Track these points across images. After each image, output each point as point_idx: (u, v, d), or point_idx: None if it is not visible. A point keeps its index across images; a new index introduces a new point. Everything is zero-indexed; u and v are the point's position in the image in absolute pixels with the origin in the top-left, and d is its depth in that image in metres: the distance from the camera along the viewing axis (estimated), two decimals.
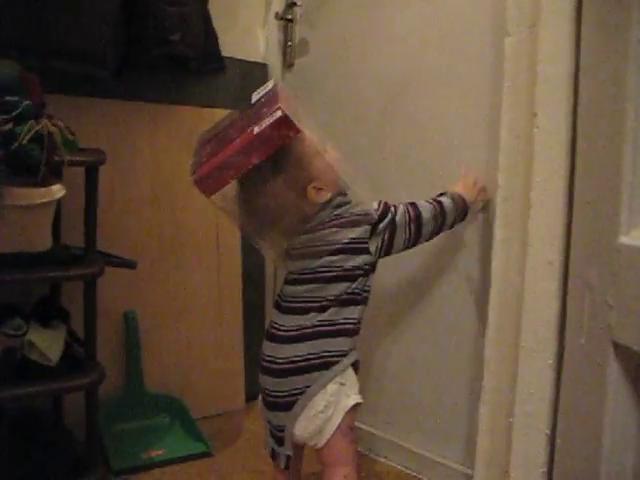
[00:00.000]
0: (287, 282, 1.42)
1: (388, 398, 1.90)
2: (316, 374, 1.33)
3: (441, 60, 1.74)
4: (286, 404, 1.35)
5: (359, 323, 1.40)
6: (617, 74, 0.94)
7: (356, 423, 1.74)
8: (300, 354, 1.34)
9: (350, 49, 2.00)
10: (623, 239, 0.95)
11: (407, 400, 1.87)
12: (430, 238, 1.48)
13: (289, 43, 2.22)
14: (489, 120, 1.58)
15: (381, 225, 1.38)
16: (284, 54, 2.25)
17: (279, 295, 1.44)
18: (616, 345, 0.97)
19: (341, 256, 1.35)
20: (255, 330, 2.25)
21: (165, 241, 2.06)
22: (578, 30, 1.17)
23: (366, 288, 1.39)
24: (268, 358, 1.38)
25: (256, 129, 1.22)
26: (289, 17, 2.21)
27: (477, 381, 1.55)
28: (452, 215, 1.49)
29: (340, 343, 1.35)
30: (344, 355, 1.36)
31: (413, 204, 1.44)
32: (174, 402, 2.02)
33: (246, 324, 2.25)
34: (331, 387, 1.33)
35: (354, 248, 1.36)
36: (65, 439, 1.72)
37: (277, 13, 2.22)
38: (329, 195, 1.35)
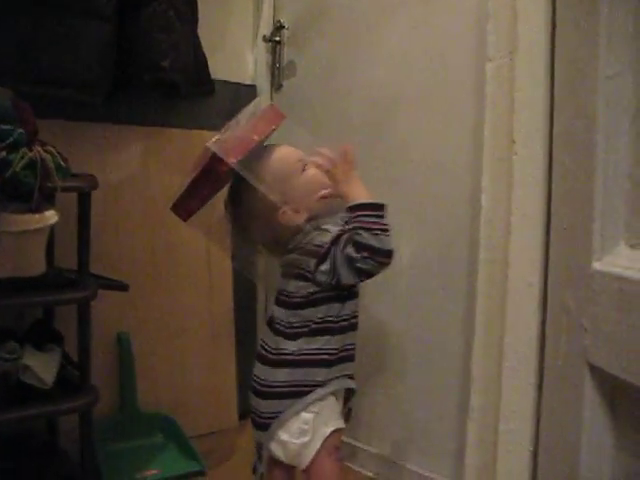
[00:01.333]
0: (275, 301, 1.46)
1: (380, 415, 1.93)
2: (289, 401, 1.36)
3: (426, 82, 1.79)
4: (264, 424, 1.39)
5: (340, 352, 1.39)
6: (587, 107, 0.98)
7: (347, 439, 1.78)
8: (278, 380, 1.37)
9: (337, 70, 2.05)
10: (596, 265, 0.98)
11: (398, 417, 1.90)
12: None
13: (277, 65, 2.27)
14: (473, 141, 1.63)
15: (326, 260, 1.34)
16: (273, 76, 2.29)
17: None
18: (591, 367, 1.00)
19: (301, 282, 1.37)
20: (247, 349, 2.25)
21: (157, 263, 2.09)
22: (552, 61, 1.21)
23: (343, 316, 1.39)
24: (254, 377, 1.42)
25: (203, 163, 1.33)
26: (277, 39, 2.25)
27: (465, 398, 1.58)
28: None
29: (315, 373, 1.36)
30: (319, 385, 1.36)
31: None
32: (168, 421, 2.04)
33: (238, 343, 2.28)
34: (304, 416, 1.35)
35: (306, 276, 1.37)
36: (60, 460, 1.74)
37: (265, 36, 2.27)
38: (302, 219, 1.37)
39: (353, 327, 1.42)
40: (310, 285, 1.36)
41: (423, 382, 1.83)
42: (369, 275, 1.31)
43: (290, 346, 1.37)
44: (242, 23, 2.32)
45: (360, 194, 1.33)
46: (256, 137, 1.35)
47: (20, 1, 1.63)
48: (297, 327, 1.37)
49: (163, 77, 1.80)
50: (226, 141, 1.34)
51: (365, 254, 1.27)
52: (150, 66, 1.78)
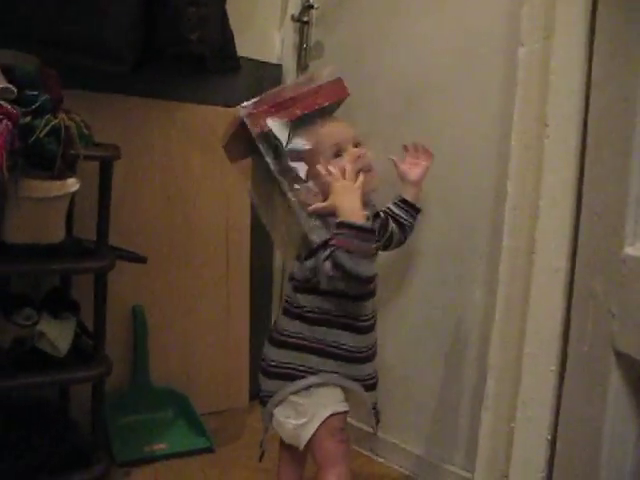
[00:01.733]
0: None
1: (391, 401, 1.91)
2: (281, 382, 1.36)
3: (455, 68, 1.76)
4: (263, 402, 1.41)
5: (340, 349, 1.36)
6: (627, 88, 0.95)
7: (357, 423, 1.77)
8: (276, 359, 1.38)
9: (365, 53, 2.03)
10: (628, 250, 0.97)
11: (409, 403, 1.89)
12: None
13: (304, 45, 2.24)
14: (500, 129, 1.60)
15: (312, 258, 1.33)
16: (299, 56, 2.27)
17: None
18: (618, 354, 0.99)
19: (297, 264, 1.37)
20: (261, 330, 2.23)
21: (175, 238, 2.08)
22: (591, 43, 1.19)
23: (346, 314, 1.36)
24: (262, 356, 1.43)
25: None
26: (305, 19, 2.23)
27: (479, 386, 1.57)
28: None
29: (307, 359, 1.35)
30: (311, 372, 1.35)
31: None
32: (178, 397, 2.04)
33: (252, 324, 2.27)
34: (296, 399, 1.34)
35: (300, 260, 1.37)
36: (71, 429, 1.74)
37: (293, 15, 2.24)
38: (314, 203, 1.34)
39: (360, 329, 1.39)
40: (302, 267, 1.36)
41: (437, 369, 1.81)
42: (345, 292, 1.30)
43: (290, 327, 1.37)
44: (271, 1, 2.29)
45: (352, 212, 1.28)
46: (298, 111, 1.35)
47: None
48: (297, 309, 1.37)
49: (191, 50, 1.79)
50: (263, 105, 1.34)
51: (339, 274, 1.25)
52: (178, 39, 1.76)
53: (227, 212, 2.17)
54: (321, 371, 1.35)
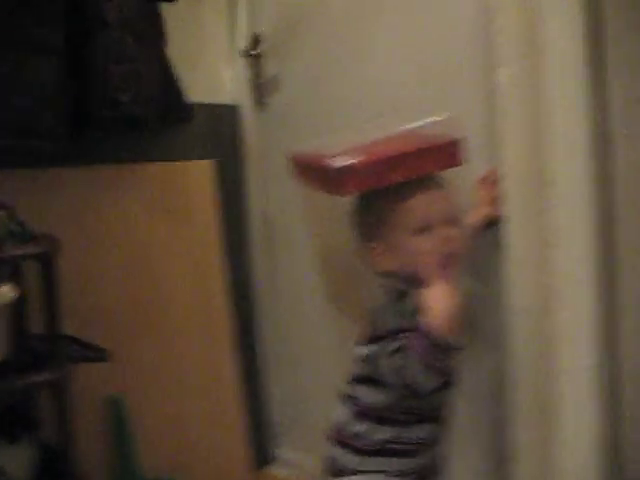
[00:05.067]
0: None
1: None
2: None
3: (423, 92, 1.54)
4: None
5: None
6: None
7: None
8: None
9: (326, 79, 1.82)
10: None
11: None
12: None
13: (259, 81, 2.04)
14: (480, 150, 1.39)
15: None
16: (255, 93, 2.06)
17: None
18: None
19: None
20: (253, 392, 2.12)
21: (146, 313, 1.88)
22: None
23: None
24: None
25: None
26: (256, 52, 2.02)
27: None
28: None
29: None
30: None
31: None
32: None
33: (245, 388, 2.08)
34: None
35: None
36: None
37: (242, 50, 2.03)
38: (387, 267, 1.20)
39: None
40: None
41: None
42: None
43: None
44: (216, 37, 2.09)
45: (443, 322, 1.06)
46: (397, 177, 1.16)
47: None
48: None
49: (123, 113, 1.57)
50: (360, 160, 1.16)
51: (404, 383, 1.08)
52: (108, 102, 1.55)
53: (199, 275, 1.97)
54: None
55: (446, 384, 1.15)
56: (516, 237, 1.21)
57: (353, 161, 1.14)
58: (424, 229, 1.16)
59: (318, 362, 1.98)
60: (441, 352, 1.04)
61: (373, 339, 1.17)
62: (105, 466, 1.78)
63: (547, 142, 1.13)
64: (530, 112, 1.15)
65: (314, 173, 1.34)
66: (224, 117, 2.05)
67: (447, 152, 1.20)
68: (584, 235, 1.13)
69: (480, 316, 1.42)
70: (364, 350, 1.19)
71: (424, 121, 1.24)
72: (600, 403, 1.15)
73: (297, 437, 2.12)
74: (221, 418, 2.03)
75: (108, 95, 1.54)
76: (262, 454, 2.14)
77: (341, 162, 1.15)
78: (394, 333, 1.11)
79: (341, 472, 1.23)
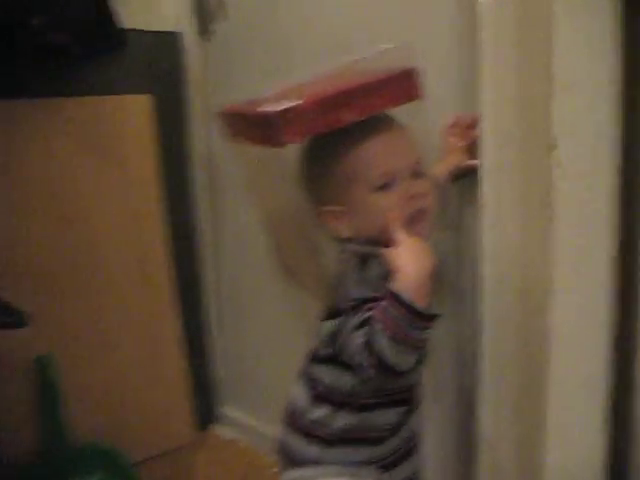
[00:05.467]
0: None
1: None
2: None
3: (392, 13, 1.36)
4: None
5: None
6: None
7: None
8: None
9: (278, 8, 1.62)
10: None
11: None
12: None
13: (204, 5, 1.83)
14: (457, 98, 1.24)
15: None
16: (199, 20, 1.85)
17: None
18: None
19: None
20: (197, 349, 1.99)
21: (77, 265, 1.71)
22: None
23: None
24: None
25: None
26: None
27: None
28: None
29: None
30: None
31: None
32: (107, 454, 1.69)
33: (187, 344, 1.95)
34: None
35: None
36: None
37: None
38: (342, 232, 1.06)
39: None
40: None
41: None
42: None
43: None
44: None
45: (416, 287, 0.92)
46: (348, 116, 0.99)
47: None
48: None
49: (36, 39, 1.35)
50: (302, 102, 0.98)
51: (371, 362, 0.92)
52: (18, 26, 1.32)
53: (135, 222, 1.80)
54: None
55: (419, 360, 1.00)
56: (494, 199, 1.07)
57: (291, 104, 0.97)
58: (386, 184, 1.01)
59: (266, 316, 1.86)
60: (415, 322, 0.90)
61: (333, 313, 1.02)
62: (35, 431, 1.65)
63: (547, 81, 0.92)
64: (523, 38, 0.95)
65: (249, 125, 1.14)
66: (164, 46, 1.83)
67: (403, 84, 1.04)
68: (599, 210, 0.99)
69: (449, 282, 1.29)
70: (324, 326, 1.05)
71: (372, 51, 1.07)
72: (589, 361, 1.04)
73: (243, 395, 2.01)
74: (161, 376, 1.90)
75: (16, 17, 1.32)
76: (206, 413, 2.04)
77: (277, 107, 0.97)
78: (358, 304, 0.97)
79: (297, 462, 1.10)
